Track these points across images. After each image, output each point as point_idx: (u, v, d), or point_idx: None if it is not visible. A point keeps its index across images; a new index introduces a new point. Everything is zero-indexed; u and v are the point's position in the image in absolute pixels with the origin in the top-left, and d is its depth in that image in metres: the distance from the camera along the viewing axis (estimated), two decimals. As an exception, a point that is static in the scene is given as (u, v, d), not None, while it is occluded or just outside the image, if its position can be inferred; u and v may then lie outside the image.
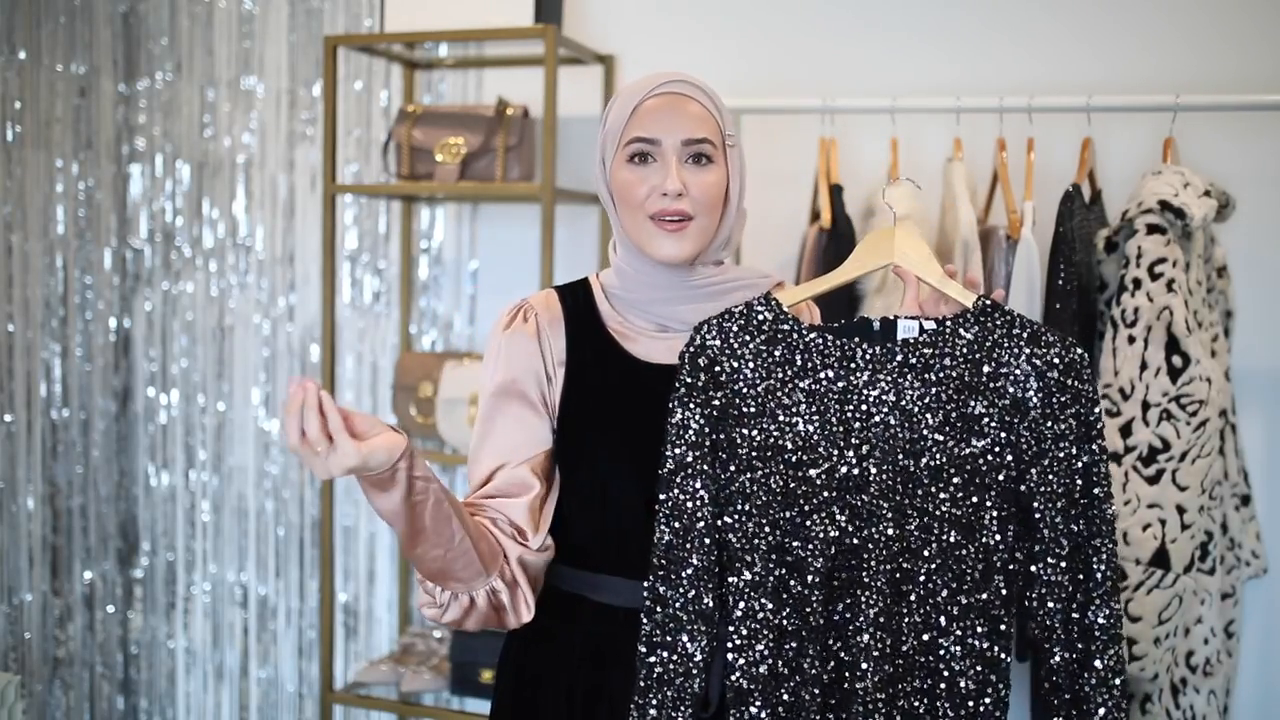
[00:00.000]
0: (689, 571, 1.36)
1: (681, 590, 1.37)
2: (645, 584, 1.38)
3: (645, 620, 1.38)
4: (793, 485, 1.37)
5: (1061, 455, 1.35)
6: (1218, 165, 2.24)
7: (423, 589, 1.37)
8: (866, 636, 1.35)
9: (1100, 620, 1.35)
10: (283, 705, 3.15)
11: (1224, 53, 2.28)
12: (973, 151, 2.28)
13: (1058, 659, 1.36)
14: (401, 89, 2.85)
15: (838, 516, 1.36)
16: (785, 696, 1.37)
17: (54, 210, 2.98)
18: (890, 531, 1.36)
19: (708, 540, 1.37)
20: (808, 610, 1.36)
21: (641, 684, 1.38)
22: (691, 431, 1.37)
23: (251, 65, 3.05)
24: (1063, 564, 1.35)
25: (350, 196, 2.95)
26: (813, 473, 1.37)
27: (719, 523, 1.38)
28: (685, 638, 1.36)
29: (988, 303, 1.39)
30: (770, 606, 1.36)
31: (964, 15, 2.43)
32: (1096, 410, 1.36)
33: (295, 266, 3.05)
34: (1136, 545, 1.89)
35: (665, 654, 1.37)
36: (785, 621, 1.37)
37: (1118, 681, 1.35)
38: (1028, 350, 1.36)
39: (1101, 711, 1.35)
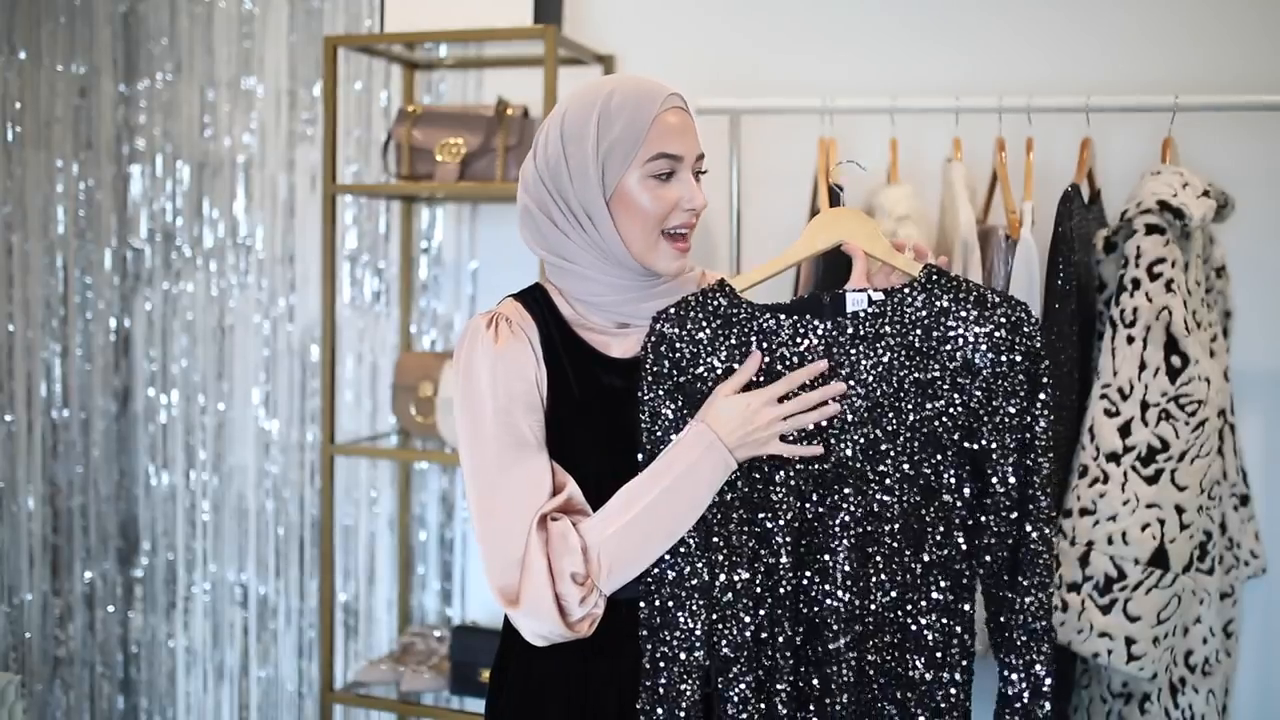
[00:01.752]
0: (682, 549, 1.42)
1: (677, 569, 1.42)
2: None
3: (643, 604, 1.43)
4: (756, 461, 1.43)
5: (1013, 411, 1.41)
6: (1217, 165, 2.24)
7: (592, 617, 1.40)
8: (835, 601, 1.42)
9: (1024, 565, 1.42)
10: (283, 705, 3.15)
11: (1223, 53, 2.28)
12: (972, 151, 2.28)
13: (1000, 595, 1.44)
14: (401, 89, 2.85)
15: (802, 487, 1.43)
16: (765, 661, 1.44)
17: (54, 210, 2.98)
18: (853, 498, 1.42)
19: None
20: (777, 577, 1.43)
21: (648, 665, 1.43)
22: (663, 417, 1.44)
23: (251, 65, 3.05)
24: (1012, 515, 1.42)
25: (350, 196, 2.95)
26: None
27: None
28: (684, 615, 1.42)
29: (934, 270, 1.44)
30: (746, 576, 1.43)
31: (964, 15, 2.43)
32: (1043, 364, 1.41)
33: (295, 266, 3.05)
34: (1135, 545, 1.89)
35: (666, 634, 1.42)
36: (760, 588, 1.43)
37: (1036, 626, 1.42)
38: (975, 312, 1.42)
39: (1024, 636, 1.42)
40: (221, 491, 3.17)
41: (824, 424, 1.42)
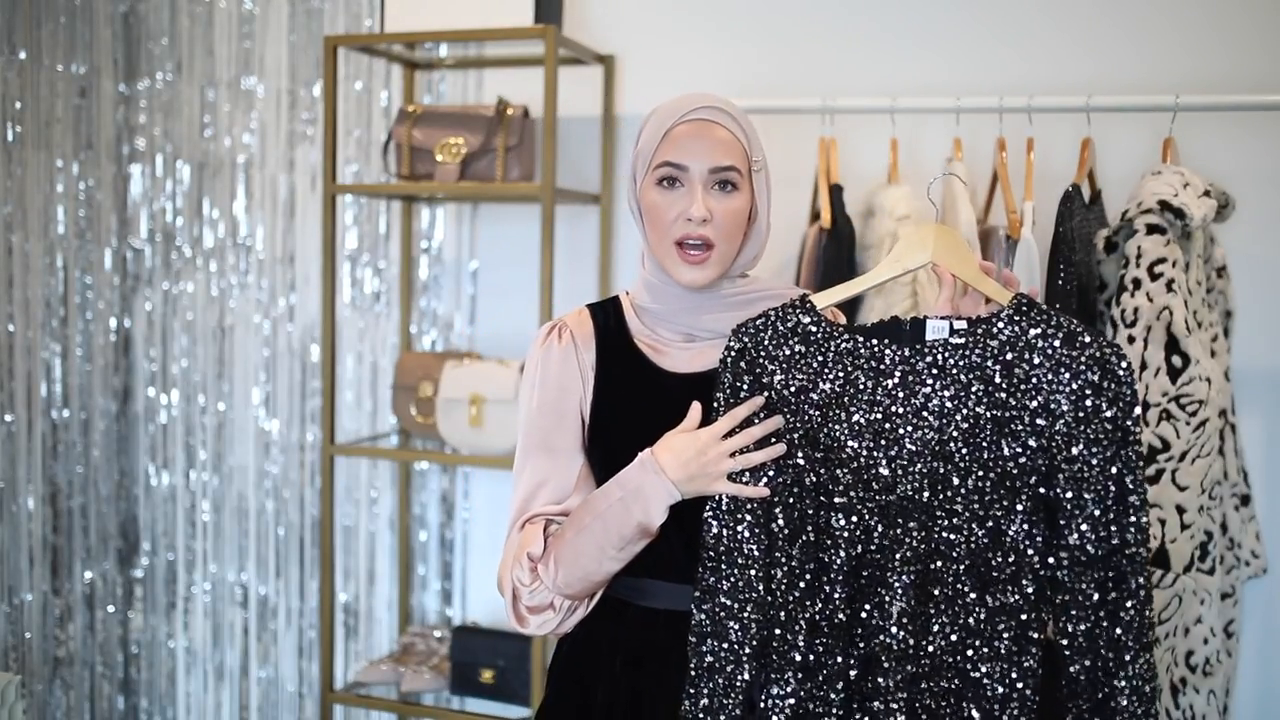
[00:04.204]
0: (740, 560, 1.39)
1: (732, 580, 1.39)
2: (697, 575, 1.41)
3: (695, 611, 1.41)
4: (822, 484, 1.38)
5: (1094, 462, 1.31)
6: (1218, 165, 2.24)
7: (546, 609, 1.44)
8: (888, 637, 1.35)
9: (1131, 631, 1.31)
10: (283, 705, 3.15)
11: (1223, 53, 2.28)
12: (973, 151, 2.28)
13: (1077, 666, 1.33)
14: (401, 89, 2.85)
15: (866, 517, 1.36)
16: (814, 689, 1.38)
17: (54, 210, 2.98)
18: (918, 532, 1.35)
19: (757, 529, 1.39)
20: (833, 607, 1.37)
21: (693, 673, 1.41)
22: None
23: (251, 65, 3.05)
24: (1089, 571, 1.32)
25: (350, 196, 2.95)
26: (840, 472, 1.37)
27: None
28: (736, 626, 1.38)
29: (1024, 301, 1.37)
30: (803, 600, 1.38)
31: (964, 16, 2.43)
32: (1134, 414, 1.32)
33: (295, 266, 3.05)
34: (1136, 545, 1.89)
35: (715, 643, 1.39)
36: (816, 615, 1.38)
37: (1146, 689, 1.32)
38: (1062, 352, 1.33)
39: (1134, 701, 1.30)
40: (221, 492, 3.17)
41: (894, 455, 1.36)
